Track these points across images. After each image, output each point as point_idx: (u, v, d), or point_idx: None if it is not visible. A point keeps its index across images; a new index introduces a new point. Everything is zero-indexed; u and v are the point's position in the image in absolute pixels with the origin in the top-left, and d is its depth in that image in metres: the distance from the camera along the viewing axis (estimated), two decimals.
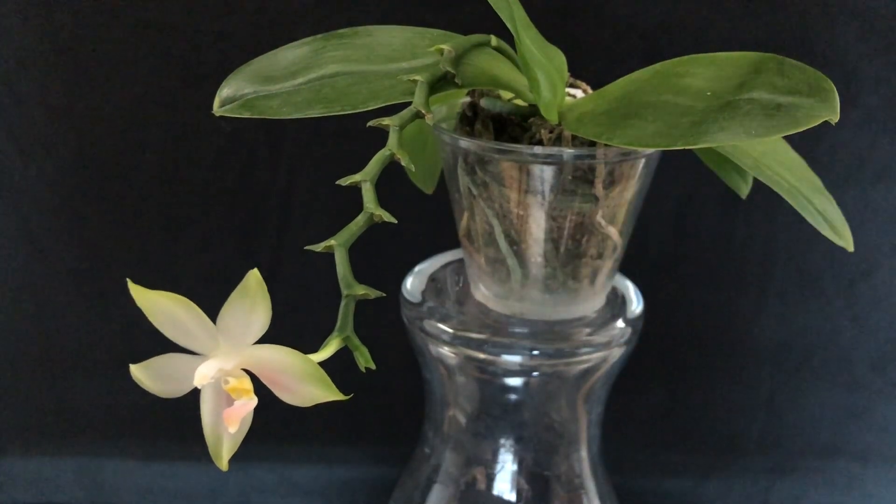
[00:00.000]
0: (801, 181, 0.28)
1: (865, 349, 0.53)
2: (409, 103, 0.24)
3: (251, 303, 0.20)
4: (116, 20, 0.45)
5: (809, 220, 0.26)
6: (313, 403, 0.21)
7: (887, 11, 0.45)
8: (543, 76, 0.27)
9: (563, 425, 0.37)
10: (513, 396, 0.35)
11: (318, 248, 0.22)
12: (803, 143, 0.30)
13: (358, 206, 0.23)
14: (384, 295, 0.22)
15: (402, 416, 0.49)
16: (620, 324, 0.34)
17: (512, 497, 0.37)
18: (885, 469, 0.56)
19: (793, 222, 0.49)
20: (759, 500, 0.57)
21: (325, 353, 0.22)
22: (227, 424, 0.21)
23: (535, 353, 0.33)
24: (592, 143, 0.29)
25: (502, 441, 0.36)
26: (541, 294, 0.32)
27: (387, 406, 0.55)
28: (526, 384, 0.35)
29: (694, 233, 0.51)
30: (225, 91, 0.26)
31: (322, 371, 0.20)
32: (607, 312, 0.35)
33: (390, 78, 0.26)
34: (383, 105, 0.25)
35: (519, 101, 0.30)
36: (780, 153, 0.29)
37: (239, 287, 0.20)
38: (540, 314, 0.33)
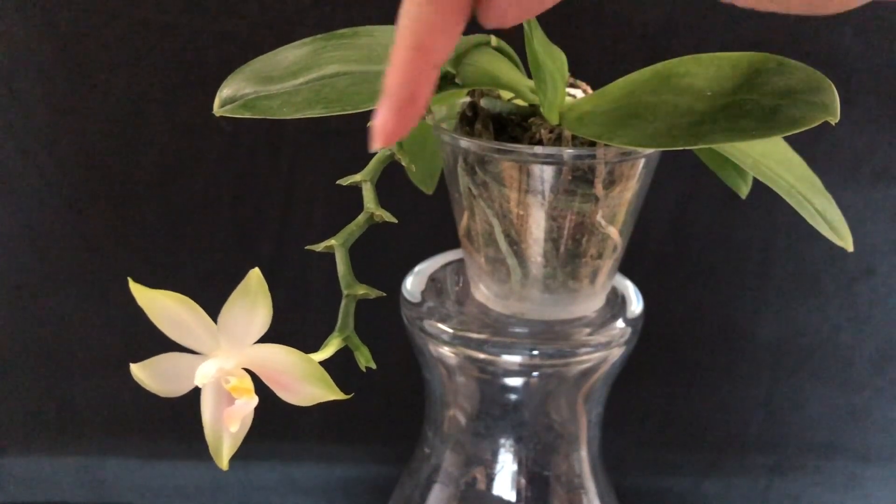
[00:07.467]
0: (800, 181, 0.28)
1: (865, 349, 0.53)
2: None
3: (252, 302, 0.20)
4: (116, 20, 0.45)
5: (809, 220, 0.26)
6: (314, 403, 0.21)
7: (887, 11, 0.45)
8: (549, 77, 0.27)
9: (562, 425, 0.37)
10: (513, 396, 0.35)
11: (319, 247, 0.22)
12: (803, 143, 0.30)
13: (358, 206, 0.23)
14: (384, 294, 0.22)
15: (402, 416, 0.49)
16: (620, 324, 0.34)
17: (512, 497, 0.36)
18: (884, 469, 0.56)
19: (793, 222, 0.49)
20: (759, 500, 0.57)
21: (326, 352, 0.22)
22: (227, 424, 0.21)
23: (535, 353, 0.33)
24: (592, 143, 0.29)
25: (502, 441, 0.36)
26: (541, 294, 0.32)
27: (387, 406, 0.55)
28: (526, 384, 0.35)
29: (694, 233, 0.51)
30: (225, 91, 0.26)
31: (323, 370, 0.20)
32: (607, 312, 0.35)
33: None
34: None
35: (519, 101, 0.30)
36: (780, 153, 0.29)
37: (240, 286, 0.20)
38: (540, 314, 0.33)
